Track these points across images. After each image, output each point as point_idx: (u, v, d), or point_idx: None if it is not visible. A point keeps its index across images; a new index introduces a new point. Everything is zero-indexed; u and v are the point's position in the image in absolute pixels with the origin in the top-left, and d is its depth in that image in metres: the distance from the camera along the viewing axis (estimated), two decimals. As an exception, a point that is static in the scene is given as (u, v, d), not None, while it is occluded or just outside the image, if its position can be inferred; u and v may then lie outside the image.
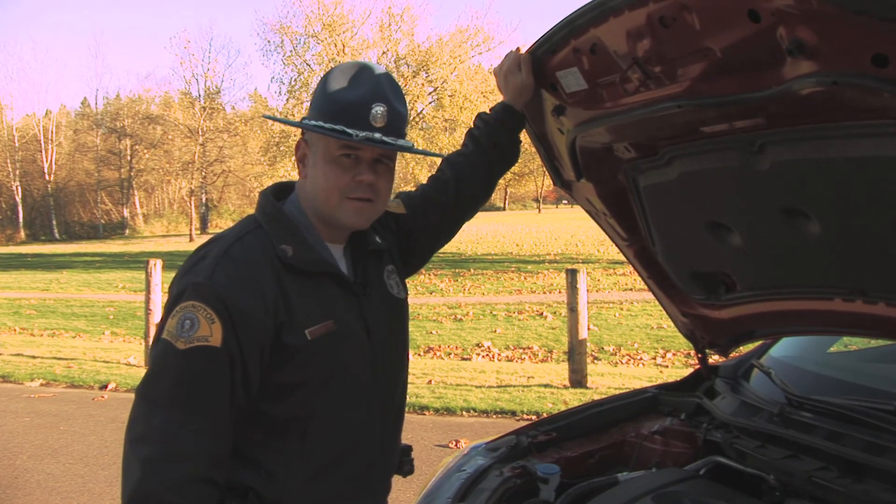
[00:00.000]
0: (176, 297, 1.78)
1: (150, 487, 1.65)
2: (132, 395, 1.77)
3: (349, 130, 1.84)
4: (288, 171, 33.52)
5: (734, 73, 1.70)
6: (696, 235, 2.33)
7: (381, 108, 1.86)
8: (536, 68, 2.18)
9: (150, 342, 1.79)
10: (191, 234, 44.03)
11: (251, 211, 2.03)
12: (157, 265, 10.16)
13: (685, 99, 1.83)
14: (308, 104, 37.40)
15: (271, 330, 1.79)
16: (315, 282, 1.89)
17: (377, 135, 1.85)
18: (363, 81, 1.89)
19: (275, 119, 1.87)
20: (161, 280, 10.10)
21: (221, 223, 56.91)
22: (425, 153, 2.23)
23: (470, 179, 2.34)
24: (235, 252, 1.83)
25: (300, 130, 1.98)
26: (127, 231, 57.52)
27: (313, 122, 1.88)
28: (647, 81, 1.87)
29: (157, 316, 10.02)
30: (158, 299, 10.06)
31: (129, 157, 55.56)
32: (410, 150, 1.95)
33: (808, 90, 1.58)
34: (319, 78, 2.02)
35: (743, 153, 1.94)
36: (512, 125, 2.34)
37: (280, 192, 2.04)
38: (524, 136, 2.46)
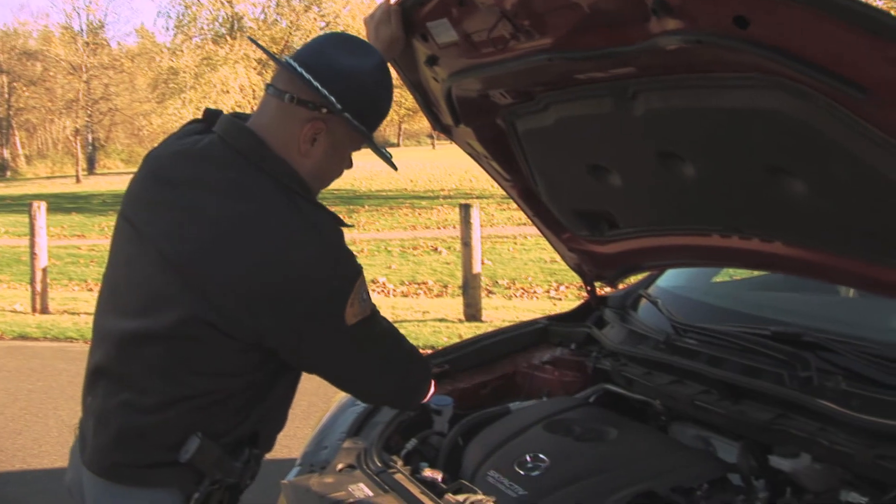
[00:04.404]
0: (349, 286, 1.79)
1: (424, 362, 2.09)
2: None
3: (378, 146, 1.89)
4: (178, 108, 32.42)
5: (601, 27, 1.69)
6: (577, 177, 2.35)
7: None
8: (406, 19, 2.13)
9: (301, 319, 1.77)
10: (77, 176, 42.14)
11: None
12: (41, 207, 9.78)
13: (555, 52, 1.83)
14: (198, 39, 35.59)
15: None
16: None
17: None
18: (392, 91, 1.91)
19: (347, 120, 1.74)
20: (45, 223, 9.75)
21: (109, 163, 54.91)
22: (387, 161, 2.08)
23: None
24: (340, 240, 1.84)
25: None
26: (8, 173, 54.72)
27: (375, 144, 1.89)
28: (517, 34, 1.86)
29: (42, 260, 9.69)
30: (44, 243, 9.70)
31: (6, 95, 52.43)
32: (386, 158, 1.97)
33: (674, 46, 1.59)
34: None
35: (617, 99, 1.95)
36: None
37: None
38: None
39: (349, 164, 1.94)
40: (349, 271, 1.78)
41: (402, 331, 1.98)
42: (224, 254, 1.71)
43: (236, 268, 1.69)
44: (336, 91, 1.75)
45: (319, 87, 1.74)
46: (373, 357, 1.90)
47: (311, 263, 1.72)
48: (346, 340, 1.80)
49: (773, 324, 2.34)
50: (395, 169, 2.03)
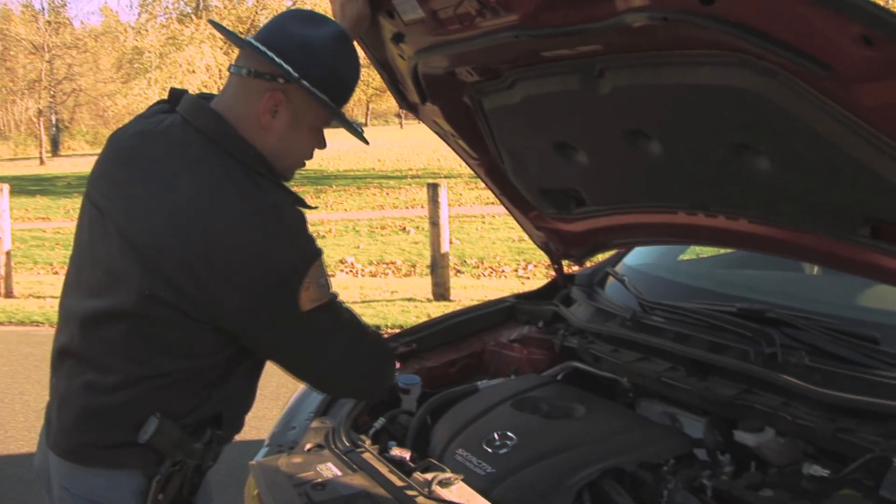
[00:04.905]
0: (304, 269, 1.75)
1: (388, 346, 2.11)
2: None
3: (349, 120, 1.86)
4: (143, 89, 31.97)
5: (568, 4, 1.68)
6: (543, 155, 2.35)
7: None
8: None
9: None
10: (41, 157, 41.29)
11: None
12: (3, 190, 9.64)
13: (521, 29, 1.82)
14: (163, 18, 35.12)
15: None
16: None
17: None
18: (357, 63, 1.88)
19: (310, 91, 1.70)
20: (9, 206, 9.62)
21: (74, 145, 53.95)
22: (357, 135, 2.02)
23: None
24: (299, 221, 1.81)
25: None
26: (-31, 155, 53.79)
27: (341, 115, 1.86)
28: (483, 11, 1.84)
29: (6, 244, 9.57)
30: (7, 226, 9.60)
31: (-36, 76, 51.67)
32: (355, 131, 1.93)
33: (640, 23, 1.59)
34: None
35: (584, 77, 1.94)
36: None
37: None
38: None
39: (322, 144, 1.92)
40: (305, 253, 1.75)
41: (370, 311, 1.99)
42: (180, 233, 1.69)
43: (192, 246, 1.68)
44: (290, 59, 1.74)
45: (274, 56, 1.73)
46: (328, 347, 1.86)
47: (267, 242, 1.70)
48: (299, 326, 1.78)
49: (738, 301, 2.36)
50: (367, 143, 2.01)
